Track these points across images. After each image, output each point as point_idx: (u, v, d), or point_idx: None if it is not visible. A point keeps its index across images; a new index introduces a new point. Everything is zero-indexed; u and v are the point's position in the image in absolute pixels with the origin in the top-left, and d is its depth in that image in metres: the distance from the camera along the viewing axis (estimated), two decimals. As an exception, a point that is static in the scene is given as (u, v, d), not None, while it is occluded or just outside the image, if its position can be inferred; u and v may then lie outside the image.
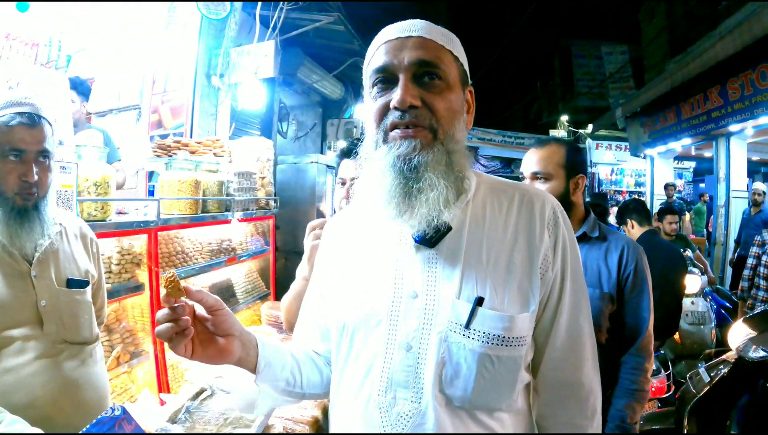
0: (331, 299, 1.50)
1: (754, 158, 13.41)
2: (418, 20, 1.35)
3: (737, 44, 7.83)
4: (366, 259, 1.45)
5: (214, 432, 2.55)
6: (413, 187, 1.26)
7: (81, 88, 4.93)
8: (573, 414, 1.39)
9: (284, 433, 2.76)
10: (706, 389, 3.55)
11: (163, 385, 3.50)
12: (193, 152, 4.50)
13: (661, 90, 10.90)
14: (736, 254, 9.69)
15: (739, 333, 3.78)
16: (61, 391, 2.11)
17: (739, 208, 10.56)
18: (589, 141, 18.87)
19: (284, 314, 2.80)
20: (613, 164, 19.32)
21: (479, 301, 1.25)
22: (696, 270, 5.94)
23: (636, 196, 16.42)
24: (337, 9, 6.88)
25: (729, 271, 10.06)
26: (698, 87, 10.16)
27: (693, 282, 5.68)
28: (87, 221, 2.80)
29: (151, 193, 4.09)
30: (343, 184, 2.64)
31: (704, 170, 18.96)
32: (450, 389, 1.26)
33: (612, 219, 9.21)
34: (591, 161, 18.79)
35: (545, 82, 27.27)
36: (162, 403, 3.06)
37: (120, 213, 3.51)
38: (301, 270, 2.82)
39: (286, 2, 6.17)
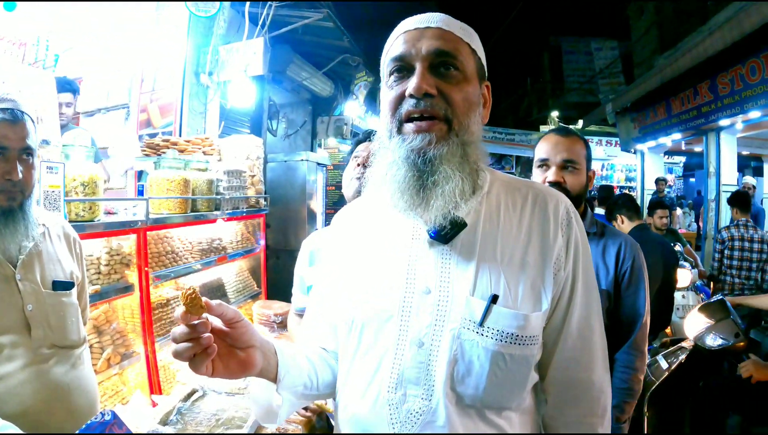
0: (341, 294, 1.47)
1: (744, 153, 13.44)
2: (438, 13, 1.35)
3: (727, 39, 7.84)
4: (378, 253, 1.43)
5: (206, 433, 2.53)
6: (428, 180, 1.26)
7: (72, 86, 4.91)
8: (584, 413, 1.38)
9: (277, 433, 2.75)
10: (664, 376, 3.63)
11: (154, 387, 3.47)
12: (182, 151, 4.48)
13: (651, 85, 10.92)
14: None
15: (695, 321, 3.86)
16: (52, 397, 2.08)
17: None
18: (579, 137, 18.89)
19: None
20: (604, 160, 19.38)
21: (494, 299, 1.24)
22: (686, 264, 5.97)
23: (626, 192, 16.51)
24: (326, 6, 6.86)
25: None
26: (688, 82, 10.19)
27: (683, 276, 5.71)
28: (75, 222, 2.79)
29: (141, 192, 4.06)
30: (359, 164, 2.61)
31: (694, 165, 19.04)
32: (461, 387, 1.24)
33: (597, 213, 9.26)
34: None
35: (535, 79, 27.35)
36: (154, 404, 3.04)
37: (108, 213, 3.47)
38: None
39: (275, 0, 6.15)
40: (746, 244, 6.47)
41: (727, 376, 3.59)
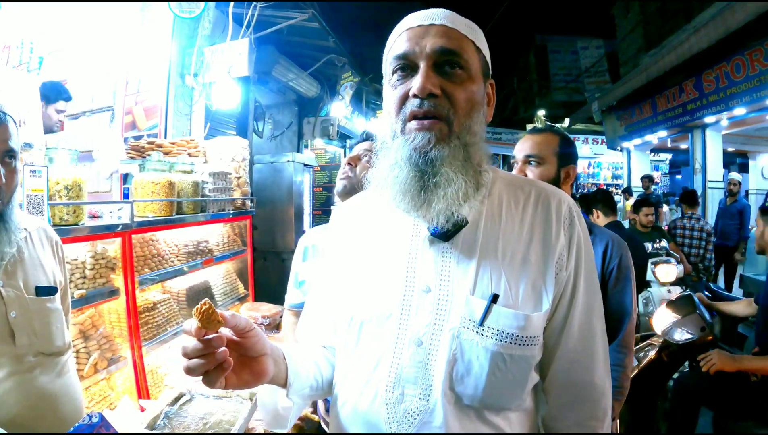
0: (340, 291, 1.46)
1: (730, 149, 13.55)
2: (442, 9, 1.32)
3: (711, 37, 7.91)
4: (377, 250, 1.42)
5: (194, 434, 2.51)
6: (429, 181, 1.24)
7: (66, 94, 4.97)
8: (585, 415, 1.36)
9: (266, 434, 2.74)
10: (634, 373, 3.69)
11: (142, 391, 3.44)
12: (167, 153, 4.45)
13: (636, 83, 11.01)
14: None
15: (663, 317, 3.93)
16: (39, 406, 2.04)
17: (715, 198, 10.75)
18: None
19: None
20: (590, 158, 19.49)
21: (494, 298, 1.22)
22: (672, 259, 6.01)
23: (603, 187, 16.66)
24: (311, 6, 6.84)
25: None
26: (673, 80, 10.28)
27: (668, 271, 5.76)
28: (59, 226, 2.76)
29: (126, 195, 4.03)
30: (347, 163, 2.63)
31: (680, 162, 19.17)
32: (460, 387, 1.23)
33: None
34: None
35: (522, 78, 27.42)
36: (142, 409, 3.02)
37: (93, 216, 3.45)
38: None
39: (259, 0, 6.12)
40: (686, 232, 7.75)
41: (699, 371, 3.63)
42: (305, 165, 7.64)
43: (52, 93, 4.83)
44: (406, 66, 1.28)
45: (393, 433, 1.24)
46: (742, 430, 3.56)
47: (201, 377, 1.09)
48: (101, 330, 3.31)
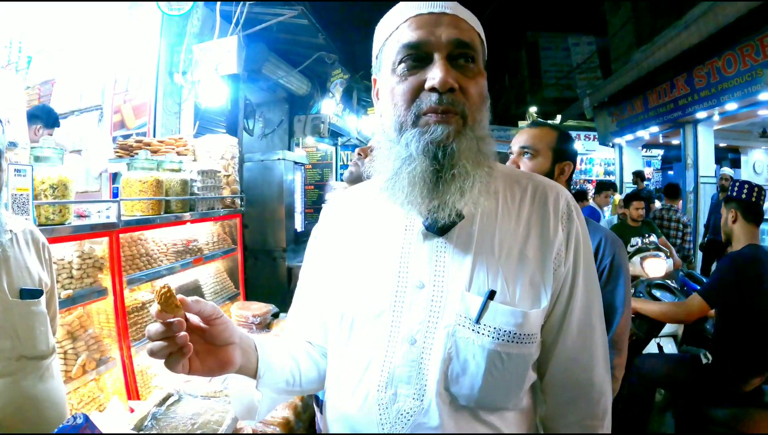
0: (330, 286, 1.42)
1: (721, 144, 13.61)
2: None
3: (702, 33, 7.92)
4: (369, 244, 1.38)
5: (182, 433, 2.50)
6: (447, 174, 1.18)
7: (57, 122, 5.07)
8: (583, 415, 1.33)
9: (254, 434, 2.72)
10: None
11: (132, 392, 3.42)
12: (155, 152, 4.43)
13: (628, 79, 11.02)
14: (705, 238, 10.01)
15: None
16: (21, 411, 2.02)
17: (707, 193, 10.82)
18: (557, 132, 18.99)
19: None
20: (582, 154, 19.49)
21: (491, 295, 1.19)
22: (661, 254, 6.01)
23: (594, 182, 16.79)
24: (300, 3, 6.81)
25: (699, 255, 10.24)
26: (665, 76, 10.30)
27: (657, 266, 5.76)
28: (45, 225, 2.73)
29: (116, 195, 4.01)
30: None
31: (672, 157, 19.22)
32: (455, 387, 1.19)
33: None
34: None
35: (513, 75, 27.45)
36: (132, 411, 2.99)
37: (81, 216, 3.42)
38: None
39: (248, -2, 6.10)
40: (665, 223, 8.13)
41: (655, 355, 3.70)
42: (296, 163, 7.61)
43: (50, 119, 4.99)
44: (418, 56, 1.21)
45: (387, 433, 1.21)
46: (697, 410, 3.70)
47: (163, 362, 1.09)
48: (90, 331, 3.28)
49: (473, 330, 1.18)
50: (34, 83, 6.44)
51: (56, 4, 6.24)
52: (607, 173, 19.31)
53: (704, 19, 7.86)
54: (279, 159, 7.15)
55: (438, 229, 1.26)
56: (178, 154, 4.68)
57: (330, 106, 10.27)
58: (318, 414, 2.50)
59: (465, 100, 1.20)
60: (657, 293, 4.51)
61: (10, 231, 2.11)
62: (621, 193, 13.18)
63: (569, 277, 1.28)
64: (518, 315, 1.18)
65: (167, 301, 1.07)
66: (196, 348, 1.13)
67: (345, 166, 13.56)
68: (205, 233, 5.08)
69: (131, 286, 3.60)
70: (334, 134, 12.16)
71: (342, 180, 10.31)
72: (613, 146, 15.36)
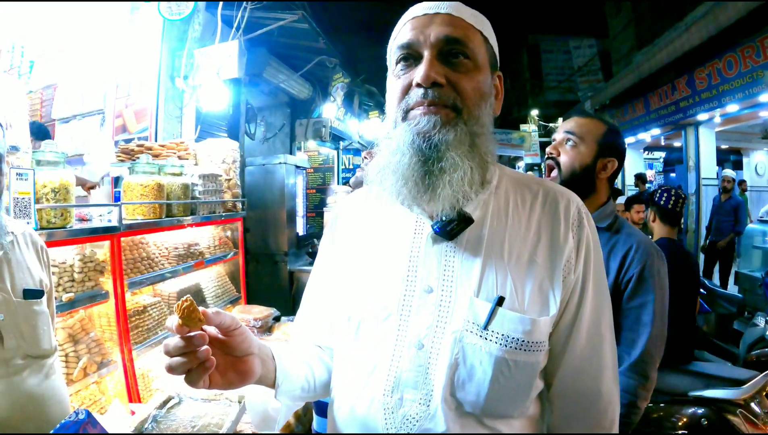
0: (338, 288, 1.42)
1: (723, 146, 13.61)
2: None
3: (703, 34, 7.94)
4: (378, 247, 1.37)
5: (183, 437, 2.50)
6: (434, 166, 1.19)
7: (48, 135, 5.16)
8: (590, 425, 1.31)
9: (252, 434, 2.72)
10: None
11: (133, 395, 3.42)
12: (156, 156, 4.44)
13: (629, 82, 11.06)
14: (707, 241, 10.01)
15: None
16: (27, 408, 2.03)
17: (709, 195, 10.81)
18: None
19: None
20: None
21: (500, 301, 1.17)
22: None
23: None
24: (301, 7, 6.82)
25: (702, 257, 10.23)
26: (666, 78, 10.33)
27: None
28: (46, 229, 2.74)
29: (117, 199, 4.02)
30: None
31: (674, 160, 19.21)
32: (461, 393, 1.18)
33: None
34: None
35: (514, 78, 27.48)
36: (132, 413, 3.00)
37: (82, 219, 3.43)
38: None
39: (249, 2, 6.11)
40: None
41: None
42: (298, 167, 7.63)
43: (40, 133, 5.10)
44: (410, 55, 1.25)
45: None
46: None
47: (183, 376, 1.06)
48: (92, 334, 3.28)
49: (481, 336, 1.17)
50: (36, 88, 6.47)
51: (58, 9, 6.26)
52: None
53: (705, 20, 7.88)
54: (280, 163, 7.17)
55: (447, 233, 1.24)
56: (180, 158, 4.69)
57: (331, 110, 10.28)
58: (315, 417, 2.50)
59: (455, 95, 1.21)
60: None
61: (12, 232, 2.12)
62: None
63: (579, 284, 1.27)
64: (527, 322, 1.17)
65: (190, 315, 1.04)
66: (216, 362, 1.09)
67: (347, 170, 13.59)
68: (206, 237, 5.09)
69: (133, 290, 3.61)
70: (336, 138, 12.17)
71: (344, 183, 10.30)
72: (614, 149, 15.37)
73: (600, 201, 2.34)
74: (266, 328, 4.69)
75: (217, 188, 4.72)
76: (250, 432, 2.75)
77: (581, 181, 2.29)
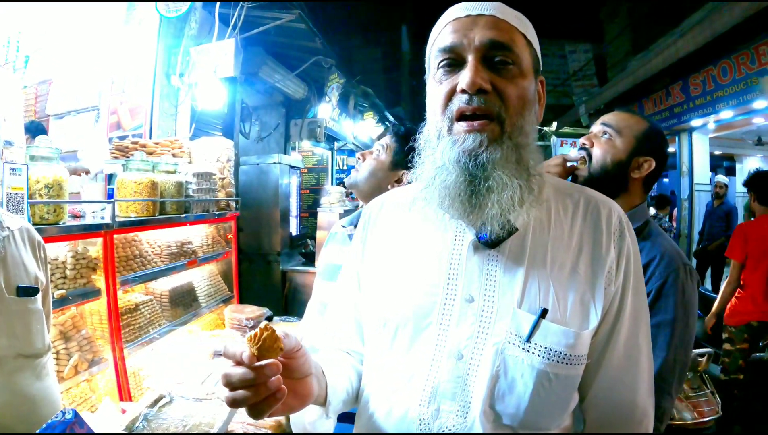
0: (372, 291, 1.38)
1: (716, 152, 13.66)
2: None
3: (698, 41, 7.95)
4: (416, 252, 1.33)
5: (173, 436, 2.49)
6: (481, 185, 1.15)
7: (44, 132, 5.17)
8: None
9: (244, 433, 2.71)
10: None
11: (124, 394, 3.41)
12: (150, 153, 4.44)
13: (623, 87, 11.06)
14: (699, 246, 10.08)
15: None
16: (19, 409, 2.01)
17: (702, 201, 10.87)
18: (554, 138, 19.04)
19: None
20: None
21: (543, 313, 1.15)
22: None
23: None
24: (298, 7, 6.81)
25: (694, 262, 10.27)
26: (660, 83, 10.37)
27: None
28: (39, 225, 2.72)
29: (111, 196, 4.00)
30: (358, 157, 2.57)
31: (668, 165, 19.19)
32: (501, 406, 1.15)
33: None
34: (556, 159, 18.99)
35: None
36: (123, 412, 2.98)
37: (75, 216, 3.41)
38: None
39: (246, 0, 6.09)
40: None
41: None
42: (292, 167, 7.61)
43: (35, 131, 4.98)
44: (453, 60, 1.19)
45: None
46: None
47: (246, 409, 0.99)
48: (83, 332, 3.27)
49: (523, 349, 1.15)
50: (32, 83, 6.44)
51: (55, 5, 6.24)
52: (602, 180, 19.36)
53: (700, 27, 7.88)
54: (275, 162, 7.14)
55: (489, 242, 1.22)
56: (174, 156, 4.68)
57: (326, 111, 10.25)
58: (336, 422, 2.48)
59: (501, 103, 1.16)
60: None
61: (8, 228, 2.10)
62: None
63: (618, 295, 1.24)
64: (570, 335, 1.15)
65: (270, 347, 0.97)
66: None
67: (341, 171, 13.58)
68: (199, 235, 5.08)
69: (125, 287, 3.60)
70: (330, 139, 12.17)
71: (338, 184, 10.27)
72: (609, 153, 15.40)
73: (632, 202, 2.19)
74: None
75: (211, 187, 4.71)
76: (242, 432, 2.74)
77: (612, 178, 2.16)
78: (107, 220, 3.35)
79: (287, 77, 8.86)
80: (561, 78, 21.42)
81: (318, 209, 7.08)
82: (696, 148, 11.04)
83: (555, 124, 18.30)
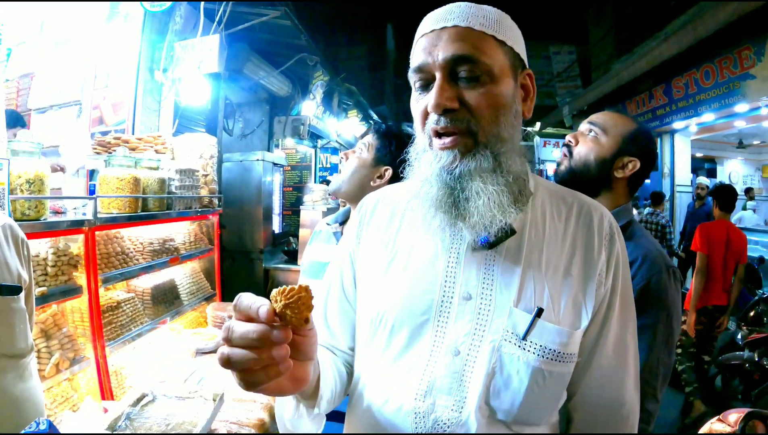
0: (368, 287, 1.38)
1: (698, 154, 13.79)
2: (458, 4, 1.22)
3: (682, 44, 8.04)
4: (413, 250, 1.34)
5: (156, 436, 2.47)
6: (459, 196, 1.19)
7: (21, 122, 5.12)
8: (612, 432, 1.33)
9: (229, 434, 2.69)
10: None
11: (106, 393, 3.37)
12: (133, 149, 4.40)
13: (607, 88, 11.16)
14: (681, 246, 10.21)
15: None
16: (1, 411, 1.97)
17: (683, 201, 11.02)
18: (537, 139, 19.16)
19: None
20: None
21: (539, 312, 1.18)
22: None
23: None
24: (283, 4, 6.78)
25: (675, 261, 10.35)
26: (644, 86, 10.47)
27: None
28: (20, 221, 2.68)
29: (93, 192, 3.96)
30: (341, 157, 2.60)
31: (649, 167, 19.40)
32: (496, 401, 1.18)
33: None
34: (539, 158, 19.08)
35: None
36: (106, 411, 2.95)
37: (57, 212, 3.38)
38: None
39: (231, -5, 6.07)
40: (651, 226, 8.38)
41: None
42: (275, 164, 7.58)
43: (10, 120, 4.95)
44: (424, 78, 1.22)
45: None
46: None
47: (236, 373, 0.90)
48: (64, 330, 3.23)
49: (519, 346, 1.18)
50: (13, 76, 6.36)
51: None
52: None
53: (684, 31, 7.97)
54: (258, 159, 7.11)
55: (488, 243, 1.24)
56: (157, 152, 4.64)
57: (310, 108, 10.22)
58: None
59: (470, 117, 1.18)
60: None
61: None
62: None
63: (607, 297, 1.28)
64: (564, 334, 1.18)
65: (299, 311, 0.88)
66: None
67: (324, 169, 13.56)
68: (182, 233, 5.05)
69: (106, 285, 3.57)
70: (314, 136, 12.14)
71: (321, 182, 10.25)
72: (591, 154, 15.50)
73: (617, 202, 2.19)
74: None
75: (194, 184, 4.68)
76: (225, 430, 2.72)
77: (593, 175, 2.17)
78: (89, 216, 3.31)
79: (272, 74, 8.82)
80: (545, 79, 21.54)
81: (301, 207, 7.06)
82: (678, 150, 11.17)
83: (538, 124, 18.41)
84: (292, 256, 7.26)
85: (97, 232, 3.42)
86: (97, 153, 4.38)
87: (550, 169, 19.45)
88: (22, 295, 2.13)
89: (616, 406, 1.32)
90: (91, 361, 3.31)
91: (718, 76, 8.42)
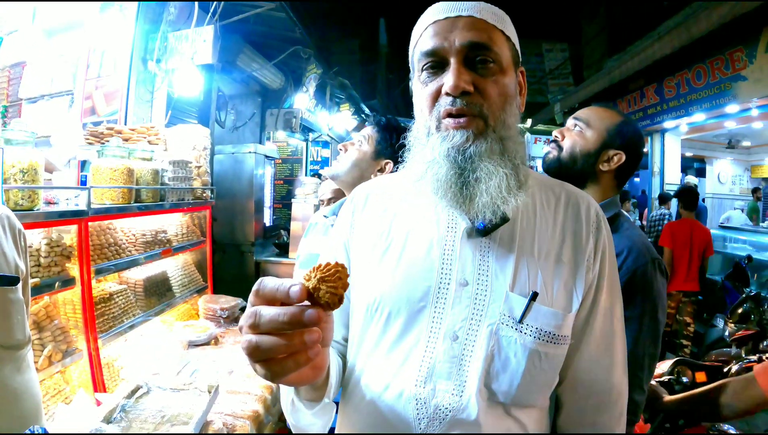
0: (363, 275, 1.40)
1: (688, 154, 13.88)
2: None
3: (675, 44, 8.07)
4: (408, 237, 1.37)
5: (151, 431, 2.46)
6: (470, 177, 1.23)
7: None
8: (602, 415, 1.37)
9: (225, 433, 2.69)
10: None
11: (98, 385, 3.36)
12: (126, 139, 4.37)
13: (599, 87, 11.17)
14: None
15: None
16: (1, 404, 1.96)
17: (672, 200, 11.07)
18: (528, 135, 19.19)
19: None
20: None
21: (534, 296, 1.22)
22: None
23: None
24: (278, -5, 6.77)
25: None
26: (635, 85, 10.54)
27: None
28: (14, 211, 2.65)
29: (84, 182, 3.94)
30: (340, 149, 2.60)
31: (640, 164, 19.47)
32: (495, 384, 1.22)
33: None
34: (530, 155, 19.10)
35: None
36: (98, 403, 2.94)
37: (50, 202, 3.35)
38: None
39: (226, -13, 6.04)
40: (660, 227, 9.30)
41: None
42: (267, 157, 7.55)
43: None
44: (436, 62, 1.26)
45: (423, 431, 1.20)
46: None
47: (261, 364, 0.86)
48: (56, 321, 3.21)
49: (516, 329, 1.22)
50: (4, 65, 6.32)
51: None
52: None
53: (677, 31, 8.00)
54: (250, 152, 7.08)
55: (482, 229, 1.28)
56: (150, 143, 4.62)
57: (303, 101, 10.19)
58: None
59: (483, 102, 1.23)
60: None
61: None
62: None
63: (594, 282, 1.33)
64: (558, 316, 1.24)
65: (335, 287, 0.82)
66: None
67: (315, 162, 13.53)
68: (174, 224, 5.03)
69: (99, 277, 3.55)
70: (306, 129, 12.10)
71: (313, 175, 10.21)
72: (581, 151, 15.54)
73: (604, 194, 2.23)
74: (233, 319, 4.67)
75: (187, 175, 4.66)
76: (221, 423, 2.72)
77: (579, 168, 2.22)
78: (82, 207, 3.29)
79: (265, 66, 8.78)
80: (537, 76, 21.59)
81: (292, 200, 7.04)
82: (668, 149, 11.24)
83: (530, 121, 18.43)
84: (284, 249, 7.24)
85: (90, 223, 3.40)
86: (90, 143, 4.35)
87: (540, 165, 19.52)
88: (20, 285, 2.11)
89: (606, 390, 1.36)
90: (83, 353, 3.30)
91: (710, 77, 8.49)
